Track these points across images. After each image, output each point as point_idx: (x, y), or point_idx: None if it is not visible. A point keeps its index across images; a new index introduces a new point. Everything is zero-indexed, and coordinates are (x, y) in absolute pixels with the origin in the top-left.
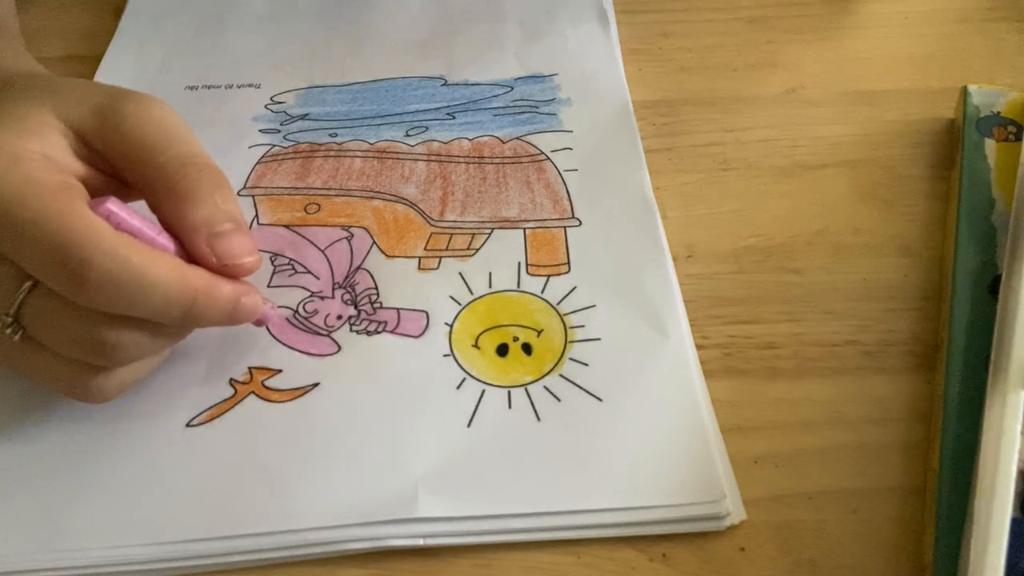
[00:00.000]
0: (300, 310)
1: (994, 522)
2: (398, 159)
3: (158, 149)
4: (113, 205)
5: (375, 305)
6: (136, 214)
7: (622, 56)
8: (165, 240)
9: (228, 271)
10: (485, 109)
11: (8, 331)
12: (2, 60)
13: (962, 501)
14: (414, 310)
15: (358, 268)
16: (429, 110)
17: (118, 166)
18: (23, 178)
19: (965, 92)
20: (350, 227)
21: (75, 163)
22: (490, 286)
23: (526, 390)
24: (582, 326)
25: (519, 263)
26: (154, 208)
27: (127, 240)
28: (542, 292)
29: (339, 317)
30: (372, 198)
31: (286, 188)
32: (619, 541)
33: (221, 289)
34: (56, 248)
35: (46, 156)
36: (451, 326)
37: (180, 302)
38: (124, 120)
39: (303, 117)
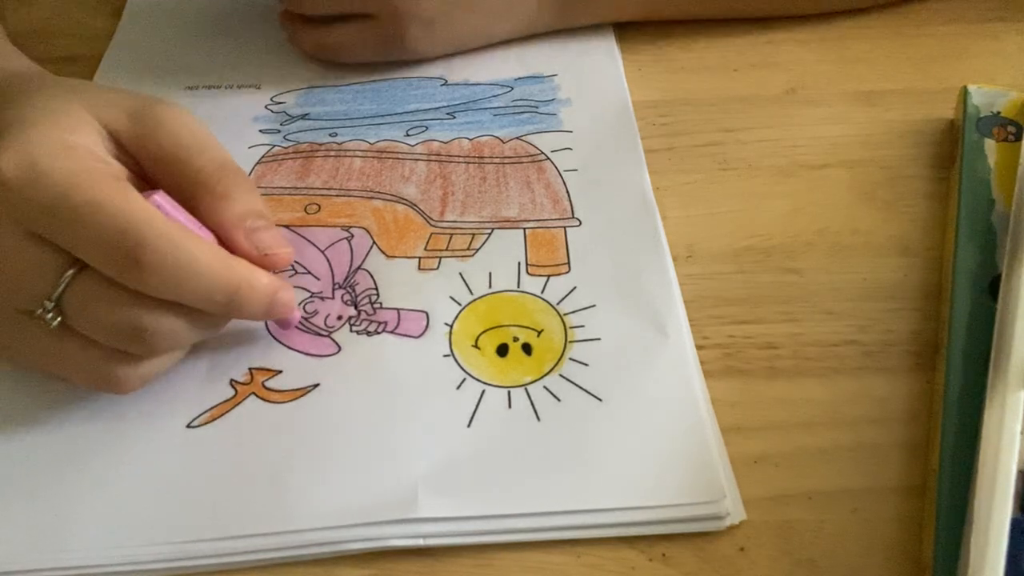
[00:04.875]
0: (300, 311)
1: (994, 522)
2: (398, 159)
3: (194, 154)
4: (160, 197)
5: (375, 305)
6: (180, 208)
7: (622, 56)
8: (205, 234)
9: (267, 262)
10: (485, 109)
11: (49, 316)
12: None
13: (962, 501)
14: (414, 310)
15: (358, 268)
16: (429, 110)
17: (147, 167)
18: (78, 166)
19: (965, 92)
20: (350, 227)
21: (111, 159)
22: (490, 286)
23: (526, 390)
24: (582, 326)
25: (519, 263)
26: (189, 207)
27: (179, 226)
28: (542, 292)
29: (339, 317)
30: (372, 198)
31: (286, 188)
32: (619, 541)
33: (261, 279)
34: (113, 230)
35: (89, 150)
36: (451, 326)
37: (225, 288)
38: (161, 125)
39: (303, 117)
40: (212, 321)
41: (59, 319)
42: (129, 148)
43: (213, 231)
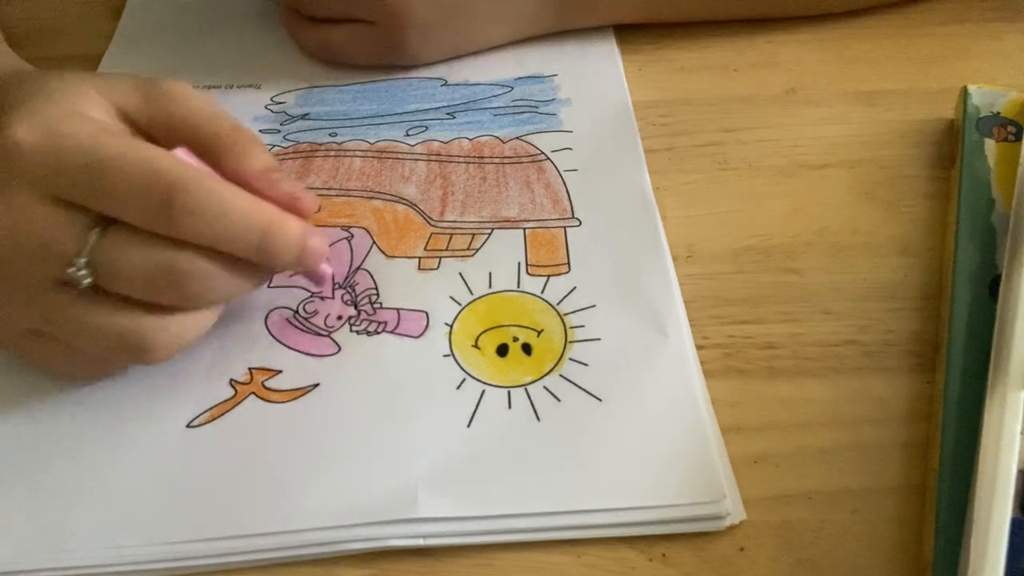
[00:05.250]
0: (300, 310)
1: (994, 522)
2: (398, 159)
3: (207, 119)
4: (182, 152)
5: (375, 305)
6: (202, 163)
7: (622, 56)
8: None
9: (295, 207)
10: (485, 109)
11: (81, 273)
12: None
13: (962, 501)
14: (414, 310)
15: (358, 268)
16: (429, 110)
17: (162, 140)
18: (94, 127)
19: (965, 92)
20: (350, 227)
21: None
22: (490, 286)
23: (526, 390)
24: (582, 326)
25: (519, 263)
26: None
27: (207, 170)
28: (542, 292)
29: (339, 317)
30: (372, 198)
31: None
32: (619, 541)
33: (291, 220)
34: (144, 177)
35: (102, 119)
36: (451, 326)
37: (256, 226)
38: (170, 97)
39: (303, 117)
40: (249, 271)
41: (90, 279)
42: (141, 124)
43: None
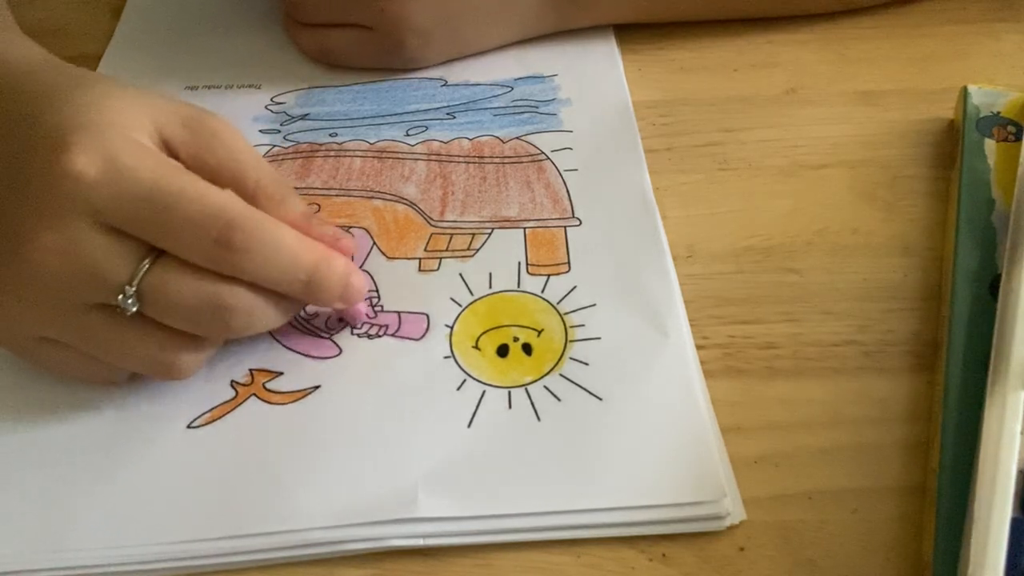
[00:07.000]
0: (301, 312)
1: (994, 522)
2: (398, 159)
3: (251, 166)
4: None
5: (376, 308)
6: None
7: (622, 56)
8: None
9: (336, 245)
10: (485, 109)
11: (129, 302)
12: (28, 51)
13: (962, 501)
14: (415, 312)
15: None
16: (429, 110)
17: (199, 175)
18: (155, 160)
19: (965, 92)
20: (350, 228)
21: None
22: (490, 286)
23: (526, 390)
24: (582, 325)
25: (519, 263)
26: None
27: (259, 210)
28: (542, 292)
29: (340, 320)
30: (372, 198)
31: None
32: (619, 541)
33: (338, 259)
34: (204, 215)
35: (155, 148)
36: (451, 328)
37: (307, 265)
38: (217, 138)
39: (303, 117)
40: (286, 305)
41: (137, 307)
42: (180, 156)
43: None
